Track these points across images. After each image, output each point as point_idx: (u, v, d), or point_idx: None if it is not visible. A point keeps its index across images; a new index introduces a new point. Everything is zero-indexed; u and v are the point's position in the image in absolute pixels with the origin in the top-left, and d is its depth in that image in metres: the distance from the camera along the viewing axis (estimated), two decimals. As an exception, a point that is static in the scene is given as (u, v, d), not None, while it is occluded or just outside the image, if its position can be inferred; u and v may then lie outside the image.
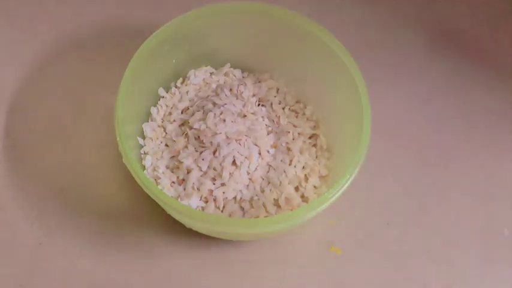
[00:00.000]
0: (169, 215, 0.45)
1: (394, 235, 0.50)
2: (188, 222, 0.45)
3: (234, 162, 0.47)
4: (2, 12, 0.58)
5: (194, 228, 0.46)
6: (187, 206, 0.45)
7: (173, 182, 0.48)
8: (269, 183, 0.48)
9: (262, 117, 0.51)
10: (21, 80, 0.54)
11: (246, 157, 0.48)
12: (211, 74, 0.54)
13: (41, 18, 0.58)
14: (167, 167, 0.48)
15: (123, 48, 0.49)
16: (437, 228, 0.50)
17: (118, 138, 0.43)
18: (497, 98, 0.56)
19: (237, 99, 0.51)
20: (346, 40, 0.47)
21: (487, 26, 0.60)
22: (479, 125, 0.55)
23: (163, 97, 0.52)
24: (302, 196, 0.48)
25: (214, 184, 0.47)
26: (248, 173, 0.48)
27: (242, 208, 0.47)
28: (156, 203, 0.43)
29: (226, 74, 0.54)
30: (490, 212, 0.51)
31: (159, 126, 0.50)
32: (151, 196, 0.42)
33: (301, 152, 0.49)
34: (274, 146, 0.50)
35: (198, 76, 0.53)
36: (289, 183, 0.48)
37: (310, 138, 0.51)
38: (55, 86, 0.54)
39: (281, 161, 0.49)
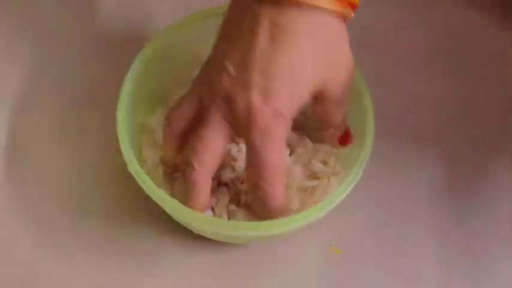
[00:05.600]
0: (169, 216, 0.45)
1: (394, 235, 0.50)
2: (196, 228, 0.44)
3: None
4: (1, 12, 0.58)
5: (201, 233, 0.45)
6: (196, 212, 0.43)
7: (174, 184, 0.48)
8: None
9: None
10: (21, 80, 0.54)
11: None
12: None
13: (41, 19, 0.58)
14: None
15: (125, 50, 0.49)
16: (438, 228, 0.50)
17: (120, 140, 0.43)
18: (497, 97, 0.56)
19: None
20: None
21: (488, 26, 0.60)
22: (479, 125, 0.55)
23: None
24: (302, 198, 0.48)
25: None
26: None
27: (243, 209, 0.47)
28: (156, 203, 0.43)
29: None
30: (489, 212, 0.51)
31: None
32: (155, 200, 0.42)
33: (304, 153, 0.49)
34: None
35: None
36: (290, 185, 0.47)
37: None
38: (55, 86, 0.54)
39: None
